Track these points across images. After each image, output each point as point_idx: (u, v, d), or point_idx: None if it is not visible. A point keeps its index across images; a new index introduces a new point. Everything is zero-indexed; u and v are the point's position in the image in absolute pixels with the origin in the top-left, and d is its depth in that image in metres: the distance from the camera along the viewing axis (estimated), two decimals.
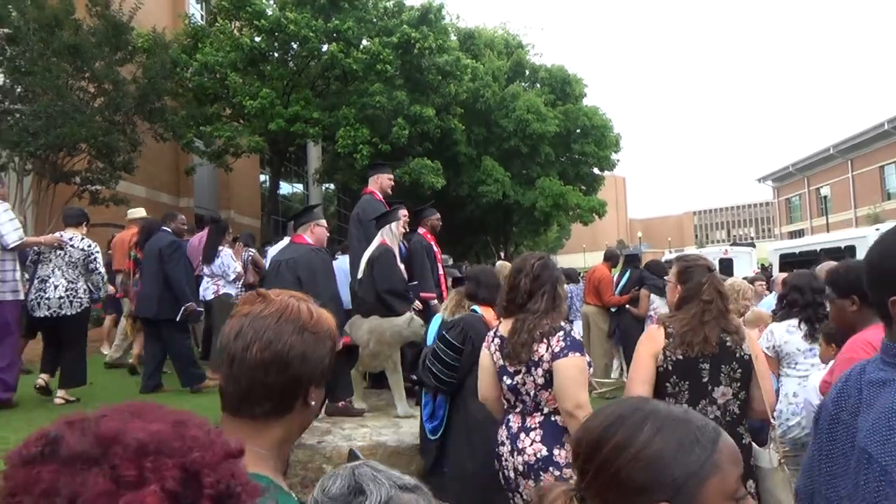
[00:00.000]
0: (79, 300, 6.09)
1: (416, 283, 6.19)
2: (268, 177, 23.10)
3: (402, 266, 5.76)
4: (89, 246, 6.28)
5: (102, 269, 6.37)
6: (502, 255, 28.74)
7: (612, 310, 9.09)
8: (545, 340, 2.63)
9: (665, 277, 3.61)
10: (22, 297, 5.81)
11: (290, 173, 26.52)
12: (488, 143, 23.36)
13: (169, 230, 7.06)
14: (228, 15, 16.66)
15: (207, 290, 7.57)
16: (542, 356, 2.64)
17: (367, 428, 4.91)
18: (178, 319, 6.70)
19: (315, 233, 5.10)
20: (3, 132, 10.52)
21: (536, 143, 23.26)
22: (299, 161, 26.38)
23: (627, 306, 8.75)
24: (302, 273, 4.79)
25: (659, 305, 8.27)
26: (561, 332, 2.64)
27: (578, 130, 25.42)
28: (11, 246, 5.62)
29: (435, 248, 6.77)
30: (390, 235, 5.69)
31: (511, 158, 23.81)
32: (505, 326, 2.76)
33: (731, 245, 21.03)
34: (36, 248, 6.11)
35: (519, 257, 2.89)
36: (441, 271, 6.76)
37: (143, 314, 6.77)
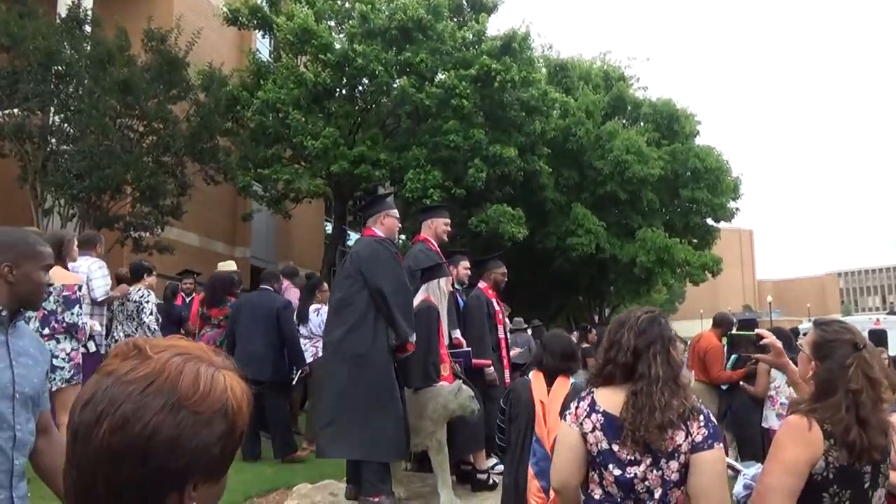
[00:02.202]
0: None
1: (468, 348, 6.10)
2: (331, 225, 23.59)
3: (445, 327, 5.74)
4: (141, 296, 6.95)
5: (151, 321, 6.90)
6: (596, 317, 27.97)
7: (723, 387, 8.51)
8: (684, 425, 2.51)
9: (799, 343, 3.41)
10: (103, 350, 6.36)
11: (359, 222, 27.10)
12: (580, 189, 23.13)
13: (271, 288, 7.49)
14: (293, 49, 17.36)
15: (306, 352, 7.87)
16: (680, 445, 2.50)
17: None
18: (294, 382, 7.34)
19: (385, 224, 5.33)
20: (49, 173, 11.17)
21: (637, 189, 22.83)
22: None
23: (741, 384, 8.15)
24: (365, 266, 5.01)
25: (781, 383, 7.62)
26: (702, 417, 2.55)
27: (688, 174, 24.78)
28: (100, 299, 6.30)
29: (496, 307, 6.68)
30: (437, 293, 5.69)
31: (607, 206, 23.52)
32: (606, 398, 2.63)
33: (886, 314, 19.63)
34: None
35: (624, 312, 2.80)
36: (502, 334, 6.63)
37: (255, 377, 6.94)
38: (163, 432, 1.03)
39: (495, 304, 6.71)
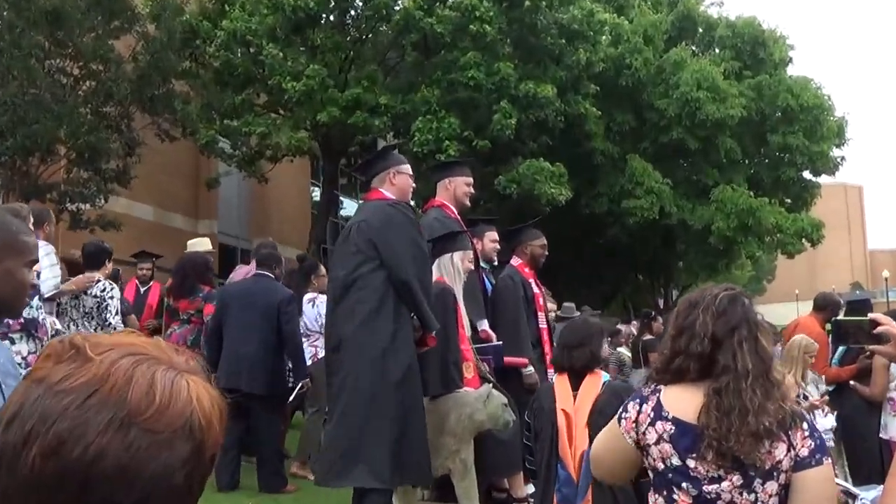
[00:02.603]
0: None
1: (498, 342, 6.14)
2: (319, 190, 23.69)
3: (465, 315, 5.72)
4: (103, 290, 6.74)
5: (117, 321, 6.80)
6: (661, 301, 27.94)
7: (828, 388, 8.59)
8: (784, 435, 2.51)
9: None
10: None
11: (355, 185, 27.12)
12: (638, 137, 22.92)
13: (270, 275, 7.42)
14: None
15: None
16: (780, 462, 2.50)
17: None
18: (291, 399, 7.29)
19: (397, 183, 5.33)
20: None
21: (712, 135, 22.67)
22: None
23: (852, 383, 8.23)
24: (379, 237, 5.00)
25: None
26: (805, 425, 2.54)
27: (778, 114, 24.55)
28: (47, 295, 6.15)
29: (535, 288, 6.70)
30: (450, 271, 5.70)
31: (672, 158, 23.33)
32: (676, 400, 2.62)
33: None
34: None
35: (695, 291, 2.79)
36: (543, 323, 6.66)
37: (245, 388, 7.00)
38: (109, 457, 1.01)
39: (533, 285, 6.71)
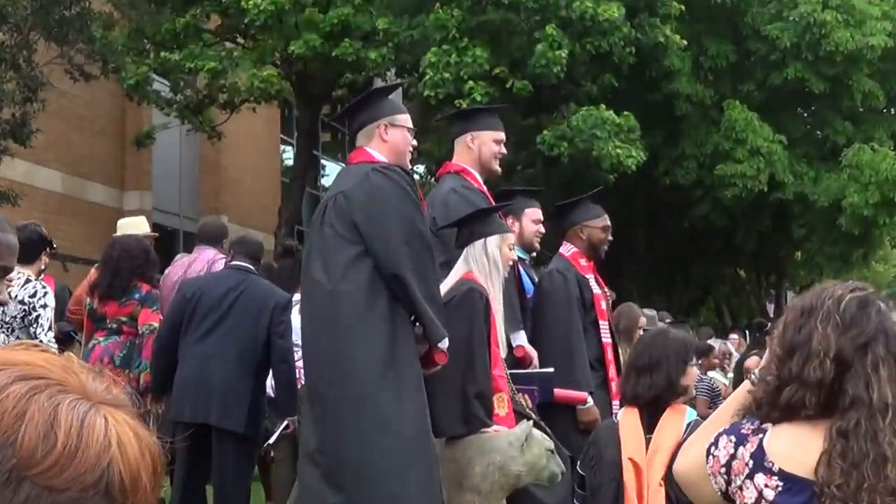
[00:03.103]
0: None
1: (548, 369, 6.25)
2: (292, 150, 23.62)
3: (501, 328, 5.81)
4: (34, 295, 6.74)
5: (50, 338, 6.79)
6: (771, 306, 27.82)
7: None
8: None
9: None
10: None
11: (342, 143, 27.08)
12: (739, 76, 22.94)
13: (252, 269, 7.57)
14: None
15: None
16: None
17: None
18: (272, 442, 7.54)
19: (388, 139, 5.46)
20: None
21: (843, 74, 22.59)
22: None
23: None
24: (360, 215, 5.15)
25: None
26: None
27: None
28: None
29: (595, 287, 6.85)
30: (483, 264, 5.76)
31: (787, 106, 23.37)
32: (785, 445, 2.64)
33: None
34: None
35: (809, 292, 2.85)
36: (607, 335, 6.80)
37: (219, 423, 7.12)
38: None
39: (593, 282, 6.82)
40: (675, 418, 4.30)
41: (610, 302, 7.51)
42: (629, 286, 29.90)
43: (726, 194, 22.02)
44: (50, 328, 6.94)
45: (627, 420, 4.35)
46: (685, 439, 4.19)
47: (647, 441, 4.27)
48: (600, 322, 6.72)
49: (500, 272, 5.79)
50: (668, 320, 14.86)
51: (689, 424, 4.33)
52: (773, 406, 2.65)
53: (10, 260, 2.67)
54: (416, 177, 31.02)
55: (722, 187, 21.99)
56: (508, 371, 5.88)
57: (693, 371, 4.80)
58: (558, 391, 6.14)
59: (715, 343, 14.89)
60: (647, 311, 12.59)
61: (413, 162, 27.92)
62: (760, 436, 2.66)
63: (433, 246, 6.10)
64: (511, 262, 5.98)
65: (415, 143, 5.68)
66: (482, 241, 5.73)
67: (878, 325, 2.61)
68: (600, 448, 4.41)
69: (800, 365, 2.59)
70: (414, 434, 5.03)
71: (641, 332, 9.79)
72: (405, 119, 5.53)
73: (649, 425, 4.31)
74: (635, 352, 4.68)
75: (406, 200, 5.21)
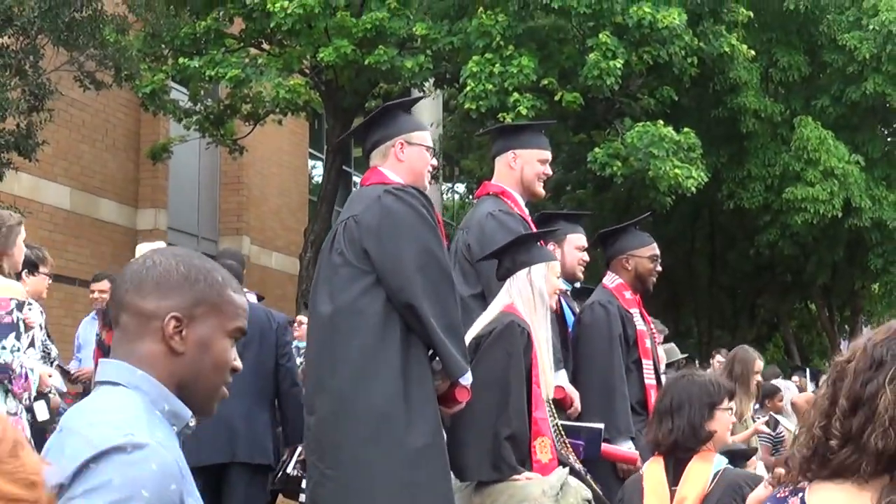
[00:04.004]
0: None
1: (597, 425, 6.22)
2: (323, 166, 23.58)
3: (548, 365, 5.81)
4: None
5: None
6: (845, 343, 27.49)
7: None
8: None
9: None
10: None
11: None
12: (812, 90, 22.90)
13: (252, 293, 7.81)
14: None
15: None
16: None
17: None
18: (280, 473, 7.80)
19: (405, 158, 5.48)
20: None
21: None
22: None
23: None
24: (371, 241, 5.18)
25: None
26: None
27: None
28: None
29: (639, 323, 6.88)
30: (527, 295, 5.72)
31: (865, 123, 23.29)
32: (829, 501, 2.57)
33: None
34: None
35: (881, 331, 2.69)
36: (651, 375, 6.82)
37: (230, 457, 7.28)
38: None
39: (638, 316, 6.83)
40: (702, 467, 4.30)
41: (661, 338, 7.42)
42: (689, 321, 29.85)
43: (796, 220, 21.99)
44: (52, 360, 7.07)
45: (652, 471, 4.39)
46: (712, 488, 4.31)
47: (672, 493, 4.28)
48: (644, 361, 6.69)
49: (546, 304, 5.76)
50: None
51: (716, 473, 4.34)
52: (823, 465, 2.56)
53: None
54: (457, 196, 31.20)
55: (791, 212, 21.97)
56: (559, 422, 5.86)
57: (724, 416, 4.77)
58: (606, 448, 6.12)
59: (782, 383, 14.64)
60: (666, 345, 12.50)
61: (454, 180, 28.32)
62: (800, 496, 2.59)
63: (467, 275, 6.19)
64: (560, 292, 5.98)
65: (433, 161, 5.73)
66: (526, 270, 5.70)
67: None
68: (628, 498, 4.45)
69: (861, 426, 2.50)
70: (425, 479, 5.02)
71: (759, 378, 9.64)
72: (423, 136, 5.57)
73: (675, 475, 4.32)
74: (659, 395, 4.75)
75: (421, 224, 5.22)
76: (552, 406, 5.84)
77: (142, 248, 9.28)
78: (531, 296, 5.69)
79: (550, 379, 5.85)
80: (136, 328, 2.39)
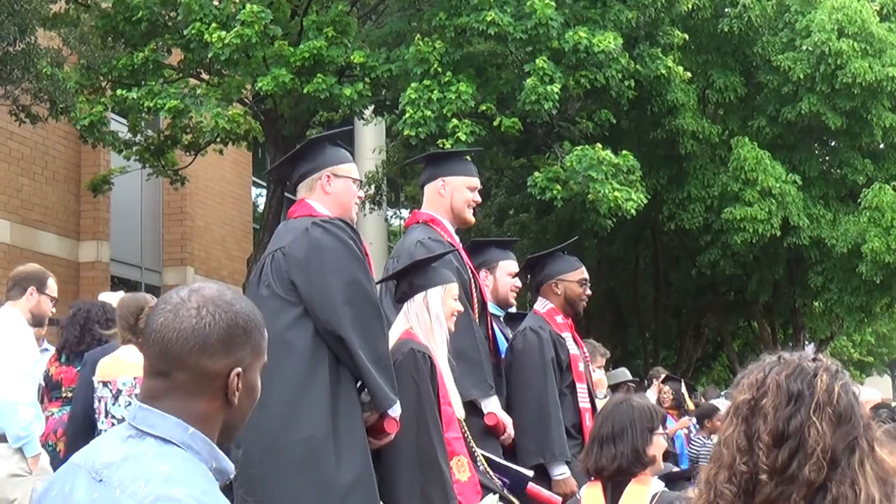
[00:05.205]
0: None
1: (527, 471, 6.20)
2: (265, 196, 23.56)
3: (450, 390, 5.81)
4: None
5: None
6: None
7: None
8: None
9: None
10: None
11: None
12: (748, 111, 22.94)
13: None
14: None
15: None
16: None
17: None
18: None
19: (331, 191, 5.54)
20: None
21: (861, 107, 22.52)
22: None
23: None
24: (299, 273, 5.21)
25: None
26: None
27: None
28: None
29: (572, 347, 6.84)
30: (424, 320, 5.77)
31: (802, 143, 23.37)
32: None
33: None
34: None
35: (759, 366, 2.69)
36: (585, 399, 6.79)
37: None
38: None
39: (570, 341, 6.81)
40: (640, 489, 4.32)
41: (603, 362, 7.48)
42: (637, 342, 29.90)
43: (736, 239, 22.05)
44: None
45: (590, 496, 4.37)
46: None
47: None
48: (578, 385, 6.69)
49: (443, 327, 5.77)
50: (662, 375, 14.91)
51: (653, 496, 4.35)
52: (750, 499, 2.58)
53: None
54: (401, 221, 31.16)
55: (731, 232, 22.04)
56: (483, 453, 5.87)
57: (660, 440, 4.81)
58: (532, 488, 6.10)
59: (723, 403, 14.71)
60: (616, 370, 12.62)
61: (398, 206, 28.25)
62: None
63: (391, 304, 6.14)
64: (457, 314, 5.92)
65: (360, 193, 5.77)
66: (422, 294, 5.74)
67: (862, 418, 2.59)
68: None
69: (787, 459, 2.53)
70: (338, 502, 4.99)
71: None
72: (350, 169, 5.61)
73: (613, 499, 4.33)
74: (597, 421, 4.69)
75: (348, 256, 5.24)
76: (464, 424, 5.85)
77: (107, 297, 9.33)
78: (428, 320, 5.72)
79: (457, 398, 5.85)
80: (196, 386, 2.36)
